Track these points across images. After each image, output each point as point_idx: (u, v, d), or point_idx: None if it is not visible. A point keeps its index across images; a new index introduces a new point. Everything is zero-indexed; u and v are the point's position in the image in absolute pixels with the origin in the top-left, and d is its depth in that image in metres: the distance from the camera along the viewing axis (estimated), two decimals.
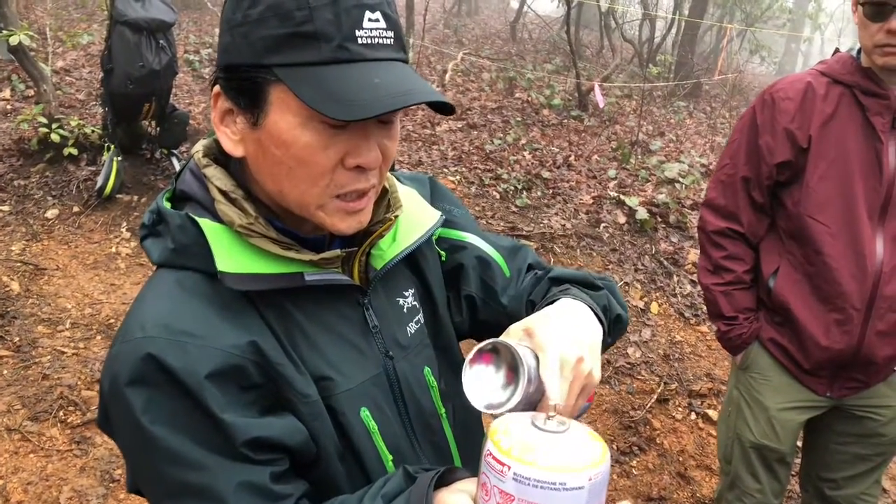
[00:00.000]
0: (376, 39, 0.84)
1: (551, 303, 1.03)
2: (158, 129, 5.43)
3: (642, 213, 5.71)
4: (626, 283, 4.97)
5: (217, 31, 0.93)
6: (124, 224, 4.94)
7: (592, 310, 1.04)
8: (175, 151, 5.53)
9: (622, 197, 6.05)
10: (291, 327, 0.93)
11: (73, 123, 5.40)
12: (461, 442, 1.11)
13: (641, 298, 4.84)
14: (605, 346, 1.05)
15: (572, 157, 7.22)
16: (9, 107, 6.19)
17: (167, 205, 0.94)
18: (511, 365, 0.85)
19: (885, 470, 2.27)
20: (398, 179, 1.13)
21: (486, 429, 0.91)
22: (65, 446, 3.07)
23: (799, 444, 2.33)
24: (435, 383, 1.08)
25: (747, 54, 15.10)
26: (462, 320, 1.18)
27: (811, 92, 1.97)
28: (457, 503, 0.79)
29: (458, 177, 6.27)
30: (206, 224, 0.89)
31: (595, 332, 0.98)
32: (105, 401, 0.88)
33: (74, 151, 5.25)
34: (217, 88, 0.90)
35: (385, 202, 1.03)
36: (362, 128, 0.86)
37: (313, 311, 0.95)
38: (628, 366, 4.13)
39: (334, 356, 0.95)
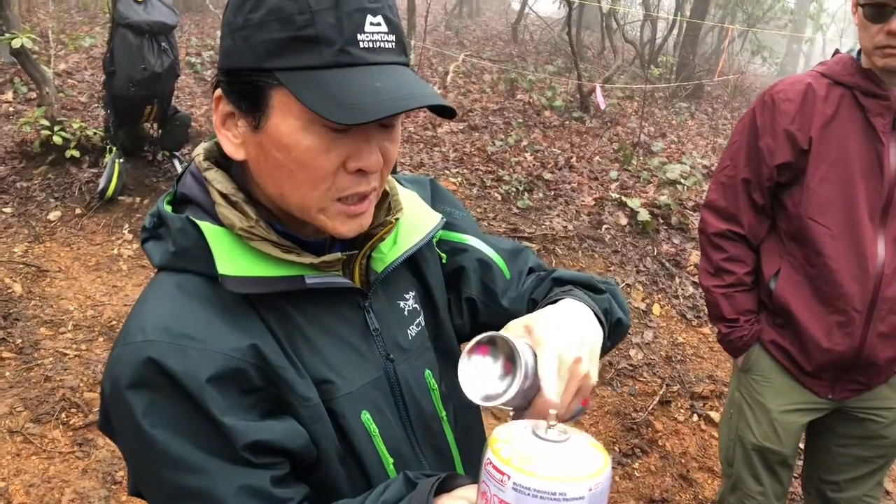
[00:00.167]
0: (378, 43, 0.84)
1: (553, 302, 1.03)
2: (160, 131, 5.44)
3: (644, 215, 5.70)
4: (628, 285, 4.96)
5: (219, 33, 0.93)
6: (126, 226, 4.95)
7: (594, 312, 1.04)
8: (177, 153, 5.54)
9: (624, 198, 6.05)
10: (292, 330, 0.93)
11: (76, 126, 5.41)
12: (462, 445, 1.11)
13: (643, 300, 4.84)
14: (605, 349, 1.05)
15: (574, 159, 7.22)
16: (11, 109, 6.20)
17: (168, 208, 0.94)
18: (508, 359, 0.85)
19: (888, 472, 2.27)
20: (399, 182, 1.13)
21: (487, 432, 0.91)
22: (67, 448, 3.07)
23: (801, 445, 2.32)
24: (436, 386, 1.07)
25: (749, 55, 15.10)
26: (463, 323, 1.18)
27: (811, 93, 1.97)
28: None
29: (459, 178, 6.27)
30: (206, 227, 0.89)
31: (595, 334, 0.98)
32: (106, 404, 0.88)
33: (76, 154, 5.26)
34: (218, 92, 0.90)
35: (386, 205, 1.03)
36: (363, 131, 0.86)
37: (314, 315, 0.95)
38: (630, 367, 4.13)
39: (335, 359, 0.95)
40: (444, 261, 1.17)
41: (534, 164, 6.91)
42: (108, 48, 4.95)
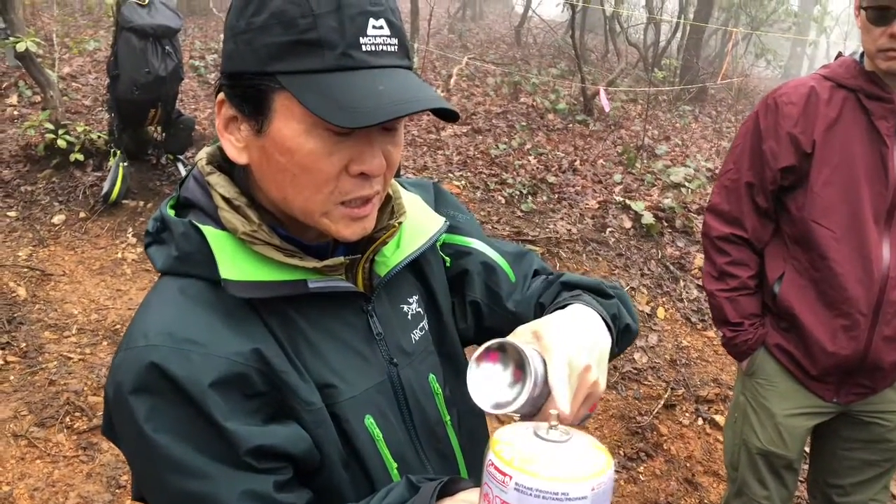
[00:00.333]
0: (380, 47, 0.84)
1: (562, 307, 1.02)
2: (164, 134, 5.45)
3: (648, 218, 5.70)
4: (633, 288, 4.96)
5: (222, 37, 0.93)
6: (130, 229, 4.96)
7: (602, 318, 1.03)
8: (181, 157, 5.55)
9: (628, 201, 6.04)
10: (295, 335, 0.92)
11: (80, 129, 5.43)
12: (466, 449, 1.11)
13: (648, 303, 4.83)
14: (613, 355, 1.05)
15: (578, 162, 7.21)
16: (16, 113, 6.22)
17: (171, 212, 0.94)
18: (517, 366, 0.84)
19: (894, 475, 2.26)
20: (402, 186, 1.13)
21: (491, 435, 0.90)
22: (71, 452, 3.08)
23: (807, 449, 2.31)
24: (440, 390, 1.07)
25: (753, 58, 15.09)
26: (467, 327, 1.18)
27: (815, 96, 1.96)
28: None
29: (463, 182, 6.27)
30: (209, 231, 0.89)
31: (604, 341, 0.97)
32: (109, 408, 0.88)
33: (81, 157, 5.28)
34: (221, 96, 0.90)
35: (389, 209, 1.03)
36: (366, 135, 0.86)
37: (317, 319, 0.95)
38: (635, 371, 4.12)
39: (338, 363, 0.95)
40: (447, 264, 1.17)
41: (537, 168, 6.91)
42: (111, 52, 4.96)
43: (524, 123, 8.51)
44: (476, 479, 0.82)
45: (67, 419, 3.24)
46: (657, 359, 4.27)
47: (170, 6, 5.07)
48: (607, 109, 8.46)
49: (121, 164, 5.03)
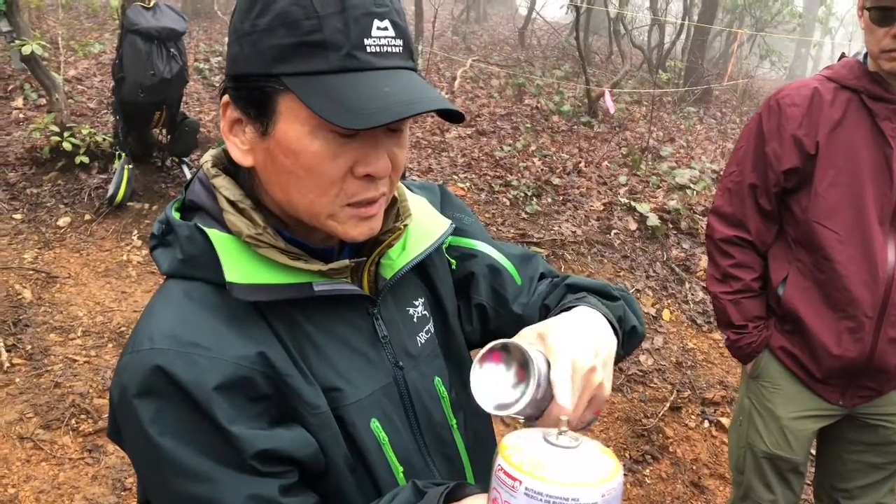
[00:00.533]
0: (385, 48, 0.83)
1: (567, 309, 1.01)
2: (169, 137, 5.45)
3: (653, 220, 5.69)
4: (638, 290, 4.94)
5: (227, 39, 0.93)
6: (135, 232, 4.96)
7: (608, 320, 1.02)
8: (186, 159, 5.55)
9: (633, 203, 6.03)
10: (300, 338, 0.92)
11: (85, 132, 5.44)
12: (472, 453, 1.10)
13: (653, 305, 4.82)
14: (619, 358, 1.04)
15: (582, 164, 7.20)
16: (21, 115, 6.23)
17: (176, 215, 0.94)
18: (521, 367, 0.84)
19: None
20: (408, 188, 1.13)
21: (497, 440, 0.90)
22: (77, 454, 3.08)
23: (813, 452, 2.30)
24: (446, 393, 1.06)
25: (757, 59, 15.06)
26: (473, 329, 1.17)
27: (818, 98, 1.95)
28: None
29: (467, 184, 6.27)
30: (214, 234, 0.89)
31: (609, 343, 0.97)
32: (115, 411, 0.88)
33: (86, 160, 5.29)
34: (226, 98, 0.90)
35: (395, 211, 1.02)
36: (371, 136, 0.86)
37: (322, 322, 0.94)
38: (640, 373, 4.11)
39: (344, 366, 0.94)
40: (453, 267, 1.16)
41: (542, 169, 6.90)
42: (117, 54, 4.97)
43: (528, 125, 8.51)
44: (483, 484, 0.81)
45: (73, 421, 3.24)
46: (663, 361, 4.25)
47: (175, 9, 5.09)
48: (612, 111, 8.46)
49: (126, 166, 5.04)
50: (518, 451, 0.72)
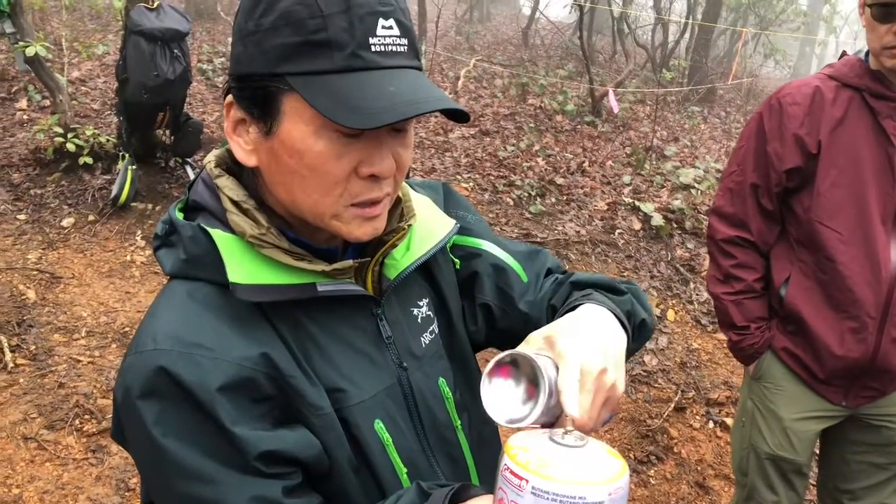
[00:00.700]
0: (390, 47, 0.83)
1: (573, 308, 1.00)
2: (172, 137, 5.46)
3: (658, 220, 5.68)
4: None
5: (230, 40, 0.93)
6: (139, 232, 4.97)
7: (616, 316, 1.01)
8: (189, 160, 5.56)
9: (637, 203, 6.02)
10: (304, 339, 0.92)
11: (89, 133, 5.45)
12: (477, 454, 1.09)
13: (658, 305, 4.81)
14: (630, 352, 1.03)
15: (586, 163, 7.19)
16: (25, 117, 6.25)
17: (180, 215, 0.93)
18: (531, 376, 0.83)
19: None
20: (411, 187, 1.12)
21: (502, 440, 0.89)
22: (80, 455, 3.08)
23: (816, 451, 2.29)
24: (450, 394, 1.06)
25: (761, 58, 15.03)
26: (477, 329, 1.16)
27: (819, 96, 1.94)
28: None
29: (471, 183, 6.27)
30: (217, 235, 0.89)
31: (619, 340, 0.95)
32: (118, 412, 0.88)
33: (90, 160, 5.30)
34: (229, 98, 0.89)
35: (399, 211, 1.02)
36: (376, 136, 0.85)
37: (326, 323, 0.94)
38: (645, 374, 4.10)
39: (347, 367, 0.94)
40: (457, 266, 1.16)
41: (546, 169, 6.90)
42: (120, 55, 4.98)
43: (532, 125, 8.50)
44: (487, 484, 0.81)
45: (77, 422, 3.24)
46: (667, 361, 4.25)
47: (178, 10, 5.09)
48: (616, 111, 8.45)
49: (129, 167, 5.05)
50: (524, 450, 0.72)
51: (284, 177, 0.87)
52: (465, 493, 0.83)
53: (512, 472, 0.70)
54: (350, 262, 0.93)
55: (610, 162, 7.40)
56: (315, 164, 0.84)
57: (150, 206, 5.23)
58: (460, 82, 9.92)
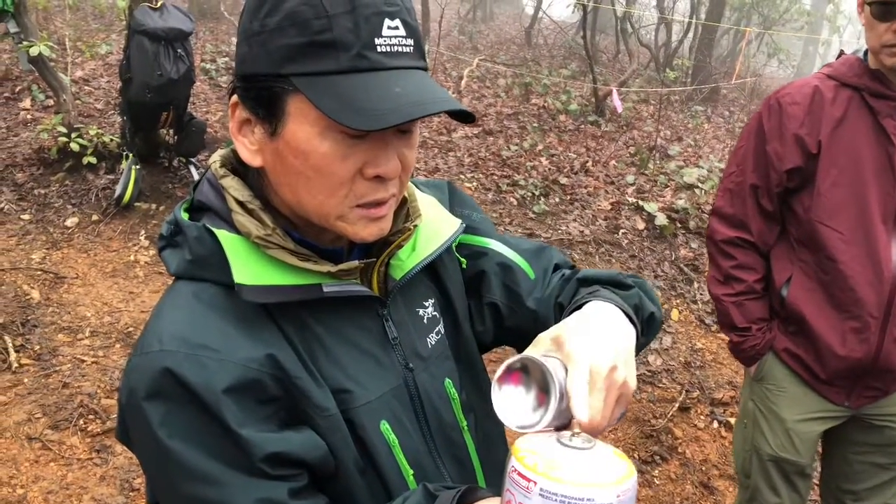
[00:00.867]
0: (395, 48, 0.82)
1: (580, 306, 0.99)
2: (176, 137, 5.46)
3: (661, 219, 5.67)
4: None
5: (233, 39, 0.92)
6: (143, 232, 4.98)
7: (624, 311, 1.00)
8: (193, 160, 5.56)
9: (641, 203, 6.01)
10: (310, 340, 0.91)
11: (92, 132, 5.45)
12: (483, 455, 1.09)
13: (661, 305, 4.80)
14: (640, 346, 1.02)
15: (590, 163, 7.18)
16: (29, 116, 6.25)
17: (185, 216, 0.93)
18: (541, 380, 0.83)
19: None
20: (417, 186, 1.12)
21: (509, 440, 0.89)
22: (85, 455, 3.08)
23: (819, 450, 2.28)
24: (456, 395, 1.06)
25: (765, 58, 15.00)
26: (484, 329, 1.16)
27: (819, 96, 1.93)
28: None
29: (474, 183, 6.26)
30: (223, 235, 0.88)
31: (628, 336, 0.94)
32: (123, 413, 0.88)
33: (93, 160, 5.30)
34: (234, 98, 0.89)
35: (404, 212, 1.01)
36: (381, 137, 0.85)
37: (332, 323, 0.94)
38: (649, 373, 4.09)
39: (353, 368, 0.94)
40: (463, 265, 1.15)
41: (549, 169, 6.89)
42: (124, 55, 4.98)
43: (535, 125, 8.49)
44: (494, 485, 0.80)
45: (81, 422, 3.24)
46: (671, 361, 4.24)
47: (182, 9, 5.10)
48: (619, 110, 8.43)
49: (133, 166, 5.05)
50: (532, 452, 0.72)
51: (290, 177, 0.87)
52: (471, 495, 0.83)
53: (520, 474, 0.70)
54: (356, 263, 0.93)
55: (613, 161, 7.39)
56: (320, 164, 0.84)
57: (153, 205, 5.23)
58: (463, 82, 9.91)
